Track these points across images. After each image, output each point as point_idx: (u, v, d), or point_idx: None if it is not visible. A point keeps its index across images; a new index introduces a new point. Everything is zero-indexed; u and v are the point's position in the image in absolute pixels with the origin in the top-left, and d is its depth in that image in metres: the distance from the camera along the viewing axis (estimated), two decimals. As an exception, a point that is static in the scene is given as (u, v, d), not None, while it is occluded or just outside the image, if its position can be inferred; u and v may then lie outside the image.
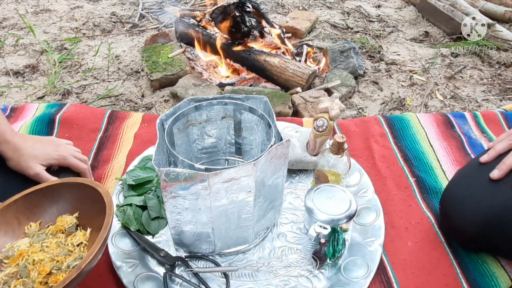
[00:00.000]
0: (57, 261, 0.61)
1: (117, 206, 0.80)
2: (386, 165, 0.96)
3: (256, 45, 1.50)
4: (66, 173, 0.78)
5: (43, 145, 0.76)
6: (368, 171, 0.93)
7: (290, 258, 0.75)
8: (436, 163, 0.97)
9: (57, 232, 0.67)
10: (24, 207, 0.68)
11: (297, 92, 1.36)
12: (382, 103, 1.42)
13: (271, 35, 1.55)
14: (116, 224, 0.77)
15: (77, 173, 0.80)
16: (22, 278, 0.59)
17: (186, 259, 0.73)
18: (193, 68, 1.55)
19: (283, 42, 1.56)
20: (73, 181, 0.69)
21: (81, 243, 0.65)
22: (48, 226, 0.69)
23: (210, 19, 1.51)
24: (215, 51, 1.52)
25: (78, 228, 0.68)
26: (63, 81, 1.49)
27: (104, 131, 1.05)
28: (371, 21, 2.02)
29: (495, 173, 0.70)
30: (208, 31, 1.53)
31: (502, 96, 1.46)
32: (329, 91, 1.39)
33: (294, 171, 0.92)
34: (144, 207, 0.80)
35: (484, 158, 0.74)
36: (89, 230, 0.67)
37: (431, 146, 1.02)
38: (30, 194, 0.68)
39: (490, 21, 1.79)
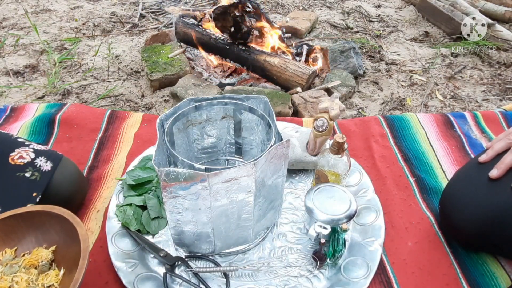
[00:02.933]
0: None
1: (117, 206, 0.80)
2: (386, 165, 0.96)
3: (256, 45, 1.50)
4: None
5: None
6: (368, 171, 0.93)
7: (290, 258, 0.75)
8: (436, 163, 0.97)
9: (30, 267, 0.64)
10: (1, 231, 0.65)
11: (297, 92, 1.36)
12: (382, 103, 1.42)
13: (271, 35, 1.55)
14: (116, 224, 0.77)
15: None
16: None
17: (186, 259, 0.73)
18: (193, 68, 1.55)
19: (283, 42, 1.56)
20: (55, 211, 0.65)
21: (52, 285, 0.62)
22: (23, 255, 0.66)
23: (210, 19, 1.51)
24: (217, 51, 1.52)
25: (53, 264, 0.66)
26: (63, 81, 1.49)
27: (104, 131, 1.06)
28: (371, 21, 2.02)
29: (494, 172, 0.70)
30: (208, 31, 1.53)
31: (502, 96, 1.46)
32: (329, 91, 1.39)
33: (294, 171, 0.92)
34: (144, 207, 0.80)
35: (483, 158, 0.74)
36: (62, 271, 0.64)
37: (431, 146, 1.02)
38: (9, 217, 0.65)
39: (490, 21, 1.79)
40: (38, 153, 0.76)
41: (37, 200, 0.71)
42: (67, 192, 0.77)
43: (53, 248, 0.67)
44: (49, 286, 0.61)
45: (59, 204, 0.77)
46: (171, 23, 1.89)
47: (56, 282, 0.62)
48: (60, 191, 0.76)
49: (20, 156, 0.75)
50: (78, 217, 0.74)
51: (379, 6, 2.19)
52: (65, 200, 0.78)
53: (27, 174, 0.73)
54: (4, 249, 0.66)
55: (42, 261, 0.64)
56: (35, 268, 0.64)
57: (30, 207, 0.67)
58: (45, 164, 0.75)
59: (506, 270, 0.73)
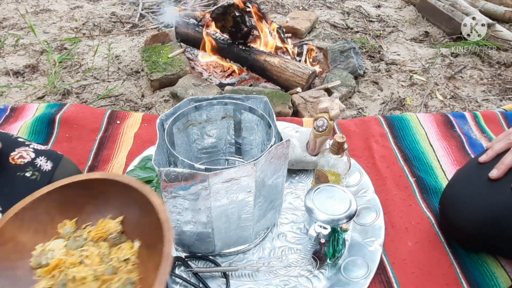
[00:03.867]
0: (103, 281, 0.50)
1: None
2: (386, 165, 0.96)
3: (256, 45, 1.50)
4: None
5: None
6: (368, 171, 0.93)
7: (290, 258, 0.75)
8: (436, 163, 0.97)
9: (98, 240, 0.56)
10: (58, 201, 0.57)
11: (297, 92, 1.36)
12: (382, 103, 1.42)
13: (271, 35, 1.55)
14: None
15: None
16: None
17: (186, 259, 0.73)
18: (193, 68, 1.55)
19: (283, 42, 1.56)
20: (119, 179, 0.57)
21: (128, 259, 0.53)
22: (85, 227, 0.58)
23: (210, 19, 1.51)
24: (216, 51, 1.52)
25: (122, 235, 0.57)
26: (63, 81, 1.49)
27: (104, 131, 1.05)
28: (371, 21, 2.02)
29: (494, 173, 0.70)
30: (208, 31, 1.53)
31: (502, 96, 1.46)
32: (329, 91, 1.39)
33: (294, 171, 0.92)
34: (144, 207, 0.80)
35: (482, 158, 0.75)
36: (137, 243, 0.55)
37: (431, 146, 1.02)
38: (66, 186, 0.57)
39: (490, 21, 1.79)
40: (38, 153, 0.76)
41: None
42: (67, 192, 0.77)
43: (120, 218, 0.58)
44: (126, 259, 0.53)
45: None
46: (171, 23, 1.88)
47: (132, 255, 0.54)
48: (60, 191, 0.76)
49: (21, 156, 0.75)
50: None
51: (379, 6, 2.19)
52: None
53: (28, 174, 0.73)
54: (62, 221, 0.57)
55: (111, 233, 0.56)
56: (104, 240, 0.56)
57: (90, 174, 0.59)
58: (45, 164, 0.75)
59: (506, 270, 0.73)
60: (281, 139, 0.67)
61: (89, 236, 0.56)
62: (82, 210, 0.58)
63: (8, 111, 1.13)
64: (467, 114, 1.15)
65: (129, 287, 0.49)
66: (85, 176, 0.58)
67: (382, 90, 1.49)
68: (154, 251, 0.49)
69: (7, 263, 0.51)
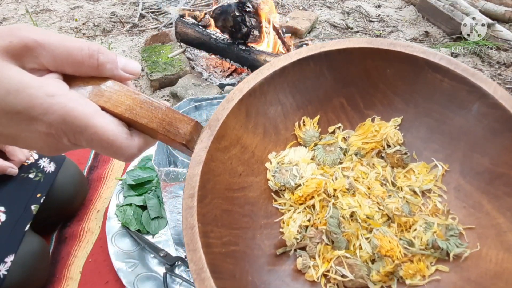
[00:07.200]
0: (404, 225, 0.31)
1: (117, 206, 0.80)
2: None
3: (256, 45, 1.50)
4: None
5: None
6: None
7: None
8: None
9: (366, 154, 0.35)
10: (292, 84, 0.35)
11: (297, 92, 1.36)
12: (382, 103, 1.42)
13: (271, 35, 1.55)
14: (116, 224, 0.78)
15: None
16: (334, 246, 0.31)
17: (186, 259, 0.73)
18: (193, 68, 1.55)
19: (283, 42, 1.56)
20: (406, 50, 0.33)
21: (429, 190, 0.33)
22: (333, 131, 0.36)
23: (210, 19, 1.51)
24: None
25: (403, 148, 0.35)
26: (63, 81, 1.49)
27: (104, 131, 1.05)
28: (371, 21, 2.02)
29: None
30: (208, 31, 1.53)
31: (502, 96, 1.46)
32: (329, 91, 1.39)
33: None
34: (144, 207, 0.80)
35: None
36: (441, 165, 0.33)
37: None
38: (308, 59, 0.34)
39: (490, 21, 1.80)
40: (41, 154, 0.77)
41: (41, 201, 0.71)
42: (69, 193, 0.77)
43: (398, 120, 0.35)
44: (426, 191, 0.33)
45: (61, 205, 0.77)
46: (171, 23, 1.89)
47: (435, 184, 0.32)
48: (63, 192, 0.76)
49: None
50: (78, 217, 0.74)
51: (379, 6, 2.19)
52: (67, 201, 0.78)
53: (31, 175, 0.73)
54: (299, 118, 0.36)
55: (390, 145, 0.34)
56: (380, 156, 0.35)
57: (348, 41, 0.34)
58: (48, 165, 0.75)
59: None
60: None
61: (350, 147, 0.35)
62: (328, 102, 0.36)
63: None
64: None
65: (453, 241, 0.30)
66: (341, 43, 0.33)
67: (382, 90, 1.49)
68: None
69: (236, 181, 0.32)
